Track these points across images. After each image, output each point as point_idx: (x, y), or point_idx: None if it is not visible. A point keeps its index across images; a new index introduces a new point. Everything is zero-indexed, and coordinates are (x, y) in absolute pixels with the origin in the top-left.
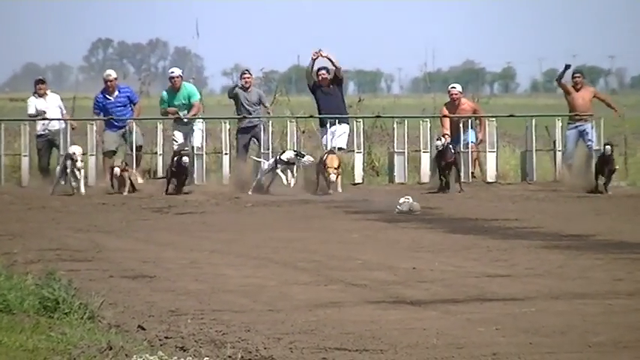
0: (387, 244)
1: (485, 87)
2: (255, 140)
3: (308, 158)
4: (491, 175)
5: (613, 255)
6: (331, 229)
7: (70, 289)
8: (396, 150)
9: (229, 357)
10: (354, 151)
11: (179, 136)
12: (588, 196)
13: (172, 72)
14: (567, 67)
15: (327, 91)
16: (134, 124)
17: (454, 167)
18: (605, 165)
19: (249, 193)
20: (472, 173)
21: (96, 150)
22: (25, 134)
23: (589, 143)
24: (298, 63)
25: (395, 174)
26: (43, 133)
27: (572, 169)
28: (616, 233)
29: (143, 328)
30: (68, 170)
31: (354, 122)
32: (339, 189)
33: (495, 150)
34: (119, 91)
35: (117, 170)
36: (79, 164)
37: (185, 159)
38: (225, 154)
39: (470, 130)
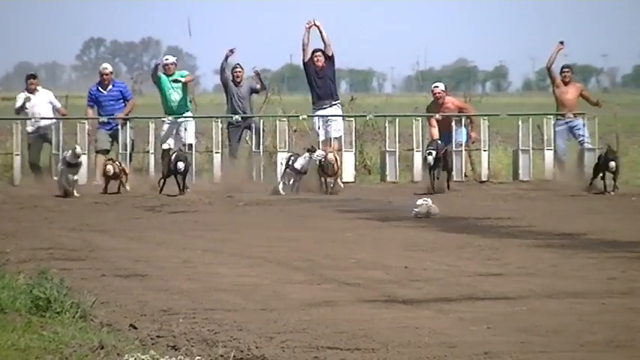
0: (381, 243)
1: (477, 86)
2: (248, 131)
3: (320, 152)
4: (483, 174)
5: (606, 254)
6: (325, 228)
7: (62, 288)
8: (387, 149)
9: (221, 356)
10: (346, 150)
11: (167, 129)
12: (581, 194)
13: (167, 59)
14: (561, 43)
15: (321, 73)
16: (127, 123)
17: (444, 165)
18: (607, 166)
19: (282, 193)
20: (464, 173)
21: (87, 149)
22: (17, 133)
23: (581, 139)
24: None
25: (387, 173)
26: (33, 128)
27: (564, 166)
28: (609, 232)
29: (135, 327)
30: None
31: (346, 121)
32: (340, 186)
33: (487, 149)
34: (113, 86)
35: (109, 168)
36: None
37: (180, 164)
38: (217, 152)
39: (462, 128)
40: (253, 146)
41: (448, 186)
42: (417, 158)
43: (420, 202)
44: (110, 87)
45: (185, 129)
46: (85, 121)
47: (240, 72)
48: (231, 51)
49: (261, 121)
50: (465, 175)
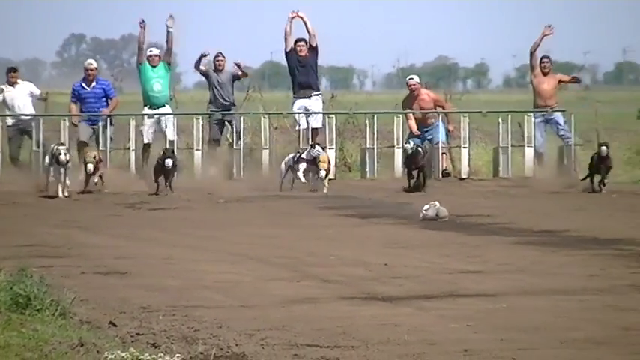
0: (362, 240)
1: (458, 83)
2: (228, 124)
3: (318, 149)
4: (463, 171)
5: (587, 251)
6: (305, 225)
7: (42, 285)
8: (368, 146)
9: (201, 353)
10: (326, 147)
11: (148, 123)
12: (561, 192)
13: (151, 51)
14: (550, 26)
15: (303, 62)
16: (108, 120)
17: (422, 168)
18: (601, 164)
19: (302, 181)
20: (444, 170)
21: (69, 145)
22: None
23: (562, 133)
24: (271, 59)
25: (367, 170)
26: (14, 122)
27: (543, 159)
28: (589, 229)
29: (115, 325)
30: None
31: (327, 118)
32: (326, 185)
33: (468, 146)
34: (97, 83)
35: (90, 167)
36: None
37: (168, 161)
38: (197, 149)
39: (439, 124)
40: (234, 143)
41: (424, 185)
42: (398, 155)
43: (427, 205)
44: (94, 84)
45: (166, 126)
46: (66, 119)
47: (221, 60)
48: (204, 55)
49: (242, 118)
50: (446, 171)
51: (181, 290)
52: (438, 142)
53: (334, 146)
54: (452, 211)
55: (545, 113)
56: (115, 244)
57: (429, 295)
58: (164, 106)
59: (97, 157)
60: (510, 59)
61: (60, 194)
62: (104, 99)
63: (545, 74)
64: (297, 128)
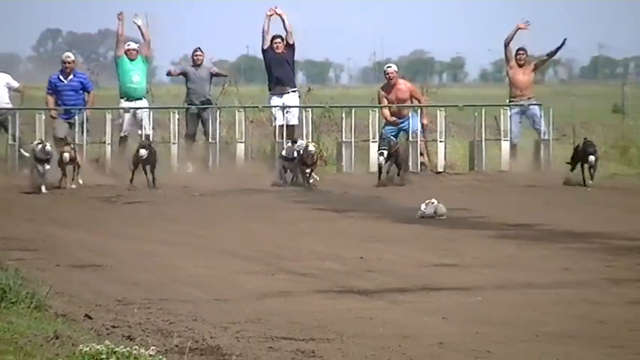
0: (337, 233)
1: (434, 77)
2: (202, 124)
3: (301, 143)
4: (439, 164)
5: (561, 245)
6: (280, 219)
7: (17, 278)
8: (344, 140)
9: (176, 346)
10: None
11: (126, 116)
12: (536, 185)
13: (129, 45)
14: (527, 21)
15: (280, 57)
16: (84, 113)
17: (395, 160)
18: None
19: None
20: (421, 163)
21: (45, 138)
22: None
23: (537, 127)
24: (247, 53)
25: (343, 164)
26: None
27: (517, 151)
28: (564, 223)
29: (90, 318)
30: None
31: (303, 112)
32: (315, 178)
33: (444, 140)
34: (74, 76)
35: (66, 156)
36: (47, 166)
37: (142, 151)
38: (174, 143)
39: (413, 115)
40: (209, 137)
41: (402, 179)
42: (373, 149)
43: (425, 202)
44: (71, 77)
45: (141, 119)
46: (42, 112)
47: (199, 55)
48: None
49: (218, 112)
50: (422, 164)
51: (156, 284)
52: (416, 132)
53: (310, 140)
54: None
55: (520, 104)
56: (89, 238)
57: (404, 288)
58: (141, 99)
59: (73, 154)
60: (487, 54)
61: (43, 190)
62: (81, 92)
63: (520, 66)
64: (273, 124)
